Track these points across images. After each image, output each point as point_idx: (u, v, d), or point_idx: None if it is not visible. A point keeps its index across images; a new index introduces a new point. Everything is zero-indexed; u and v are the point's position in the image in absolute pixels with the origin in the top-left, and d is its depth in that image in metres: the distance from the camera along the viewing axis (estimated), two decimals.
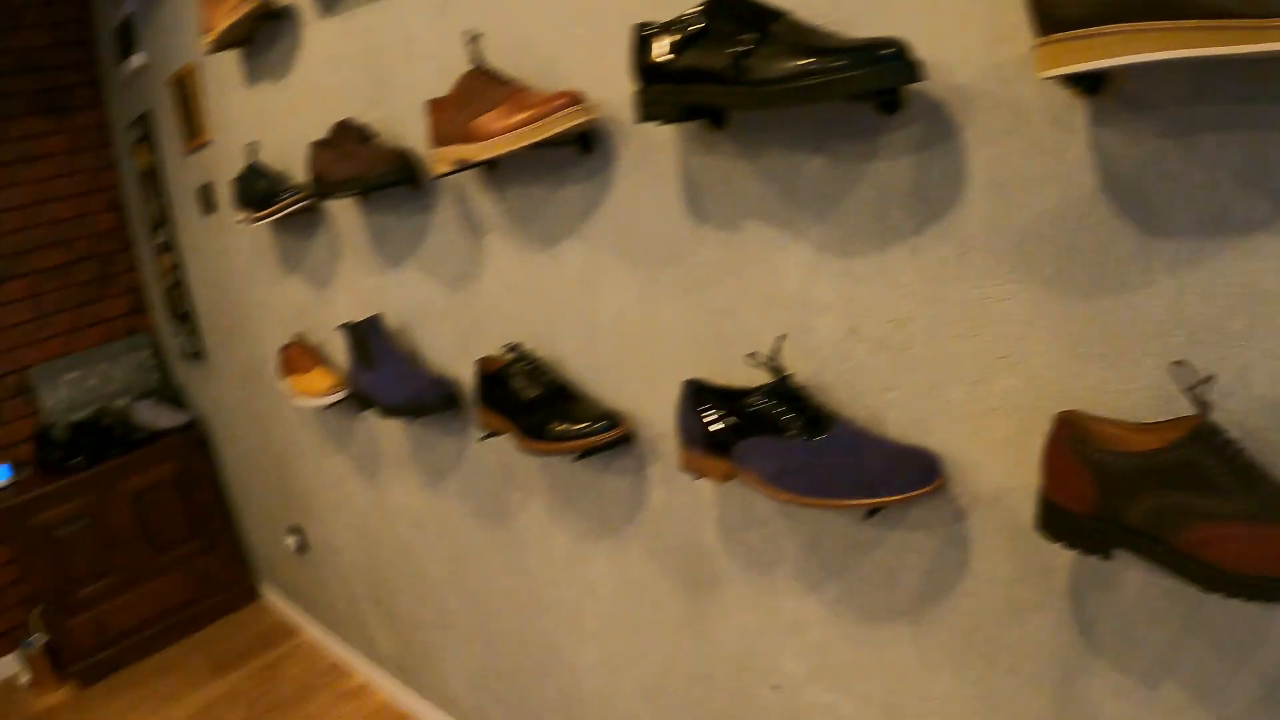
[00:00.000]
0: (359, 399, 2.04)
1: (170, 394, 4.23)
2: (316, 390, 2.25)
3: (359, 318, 2.10)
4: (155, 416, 3.98)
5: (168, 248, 3.72)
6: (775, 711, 1.58)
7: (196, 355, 3.77)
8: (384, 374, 1.89)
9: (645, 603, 1.74)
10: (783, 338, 1.25)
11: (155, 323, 4.34)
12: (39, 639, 3.98)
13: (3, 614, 4.26)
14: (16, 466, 4.02)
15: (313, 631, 3.77)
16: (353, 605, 3.17)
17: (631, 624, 1.80)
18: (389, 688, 3.17)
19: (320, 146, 1.94)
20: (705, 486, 1.48)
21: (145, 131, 3.59)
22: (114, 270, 4.30)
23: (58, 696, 3.97)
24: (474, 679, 2.53)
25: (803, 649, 1.47)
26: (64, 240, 4.16)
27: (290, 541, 3.39)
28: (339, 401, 2.28)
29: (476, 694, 2.57)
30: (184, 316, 3.77)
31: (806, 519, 1.35)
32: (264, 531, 3.88)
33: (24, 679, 4.10)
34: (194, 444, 4.00)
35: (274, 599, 4.15)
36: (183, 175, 3.30)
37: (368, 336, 1.92)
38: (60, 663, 4.00)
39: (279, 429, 3.13)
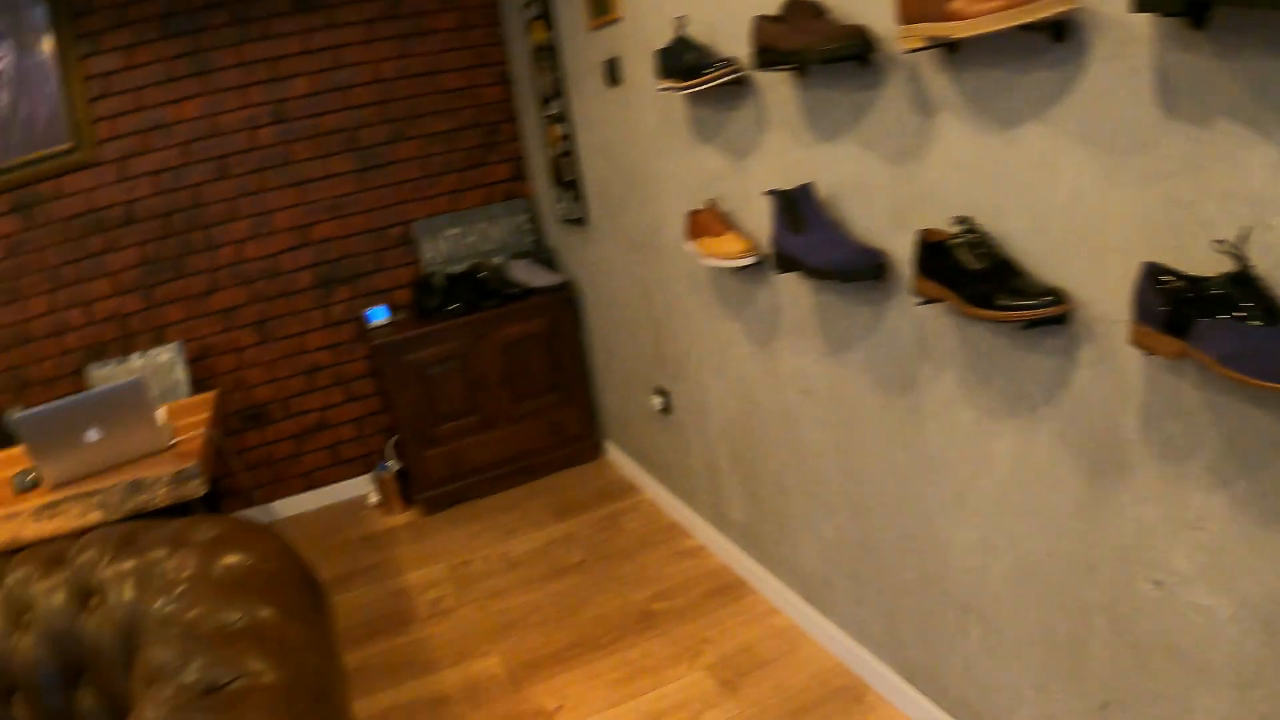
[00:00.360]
0: (782, 261, 2.28)
1: (543, 256, 4.70)
2: (728, 253, 2.52)
3: (782, 187, 2.34)
4: (529, 275, 4.43)
5: (559, 119, 4.10)
6: (1150, 608, 1.72)
7: (578, 221, 4.18)
8: (813, 239, 2.13)
9: (1042, 485, 1.90)
10: (1249, 229, 1.38)
11: (534, 189, 4.81)
12: (392, 465, 4.57)
13: (363, 440, 4.93)
14: (394, 309, 4.58)
15: (655, 491, 4.18)
16: (710, 468, 3.49)
17: (1021, 506, 1.97)
18: (728, 552, 3.51)
19: (768, 20, 2.17)
20: (1133, 372, 1.63)
21: (542, 10, 3.99)
22: (498, 139, 4.81)
23: (402, 518, 4.60)
24: (827, 550, 2.79)
25: (1196, 546, 1.59)
26: (452, 109, 4.71)
27: (656, 402, 3.76)
28: (747, 266, 2.55)
29: (826, 565, 2.82)
30: (569, 184, 4.17)
31: (1232, 412, 1.47)
32: (621, 392, 4.31)
33: (373, 499, 4.78)
34: (563, 304, 4.47)
35: (618, 457, 4.62)
36: (584, 50, 3.67)
37: (799, 202, 2.16)
38: (408, 489, 4.61)
39: (662, 294, 3.47)
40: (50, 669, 2.00)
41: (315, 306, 4.75)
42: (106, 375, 4.34)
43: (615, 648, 3.18)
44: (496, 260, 4.75)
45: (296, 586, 1.81)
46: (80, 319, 4.47)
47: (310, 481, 4.99)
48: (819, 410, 2.59)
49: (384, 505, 4.72)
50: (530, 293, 4.45)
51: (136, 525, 2.17)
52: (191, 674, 1.47)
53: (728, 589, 3.40)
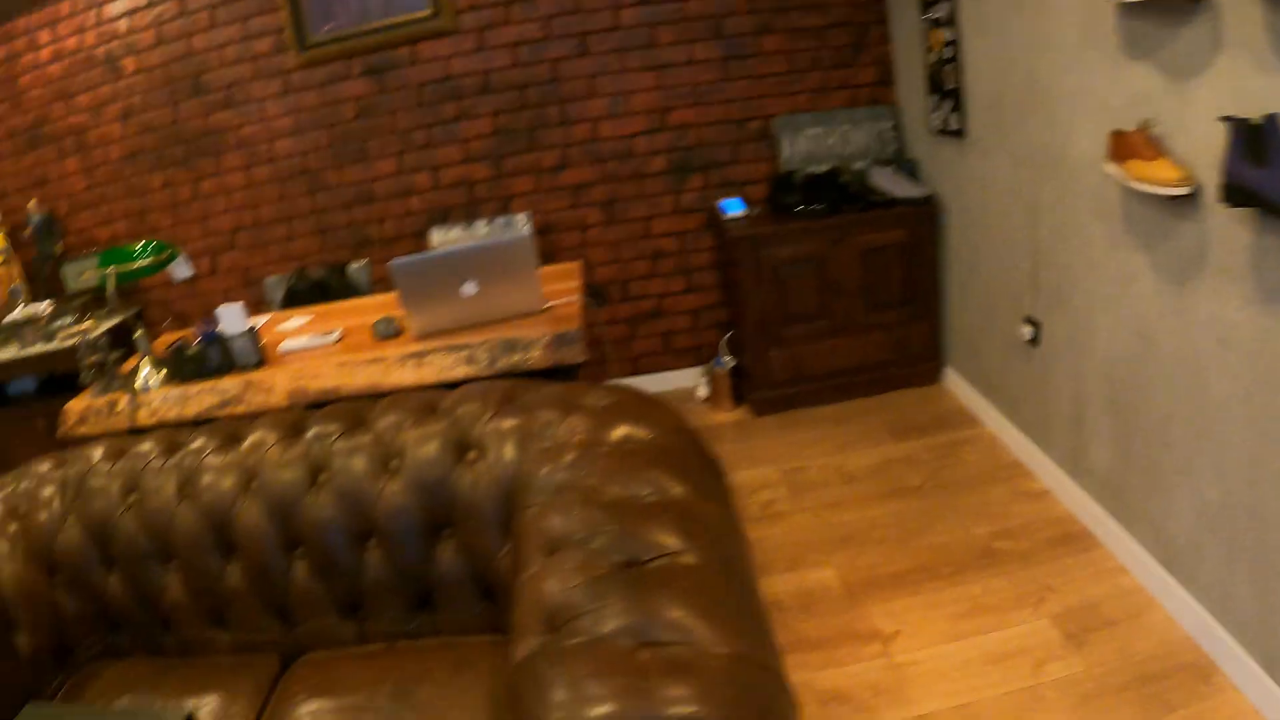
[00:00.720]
0: (1235, 194, 2.14)
1: (906, 165, 4.63)
2: (1160, 179, 2.42)
3: (1230, 114, 2.20)
4: (892, 184, 4.39)
5: (944, 24, 3.99)
6: None
7: (956, 133, 4.07)
8: (1278, 173, 2.01)
9: None
10: None
11: (900, 96, 4.72)
12: (728, 361, 4.67)
13: (696, 332, 5.07)
14: (748, 203, 4.63)
15: (997, 425, 4.12)
16: (1076, 409, 3.38)
17: None
18: (1078, 500, 3.41)
19: None
20: None
21: None
22: (866, 40, 4.76)
23: (730, 416, 4.75)
24: (1206, 514, 2.65)
25: None
26: (821, 4, 4.69)
27: (1024, 331, 3.66)
28: (1179, 196, 2.44)
29: (1201, 530, 2.69)
30: (948, 93, 4.06)
31: None
32: (977, 317, 4.22)
33: (701, 393, 4.92)
34: (926, 217, 4.42)
35: (957, 384, 4.57)
36: None
37: (1266, 133, 2.03)
38: (740, 388, 4.69)
39: (1053, 217, 3.34)
40: (414, 518, 2.10)
41: (666, 192, 4.87)
42: (451, 239, 4.60)
43: (956, 580, 3.17)
44: (857, 165, 4.71)
45: (701, 465, 1.82)
46: (426, 183, 4.77)
47: (637, 367, 5.18)
48: (1236, 362, 2.44)
49: (712, 400, 4.85)
50: (893, 202, 4.42)
51: (516, 384, 2.23)
52: (602, 545, 1.50)
53: (1074, 538, 3.32)
